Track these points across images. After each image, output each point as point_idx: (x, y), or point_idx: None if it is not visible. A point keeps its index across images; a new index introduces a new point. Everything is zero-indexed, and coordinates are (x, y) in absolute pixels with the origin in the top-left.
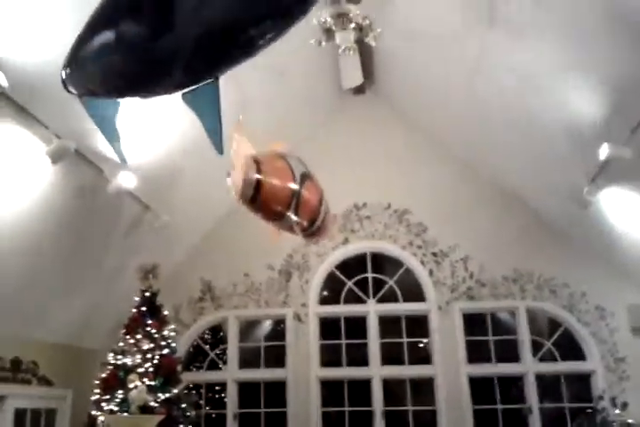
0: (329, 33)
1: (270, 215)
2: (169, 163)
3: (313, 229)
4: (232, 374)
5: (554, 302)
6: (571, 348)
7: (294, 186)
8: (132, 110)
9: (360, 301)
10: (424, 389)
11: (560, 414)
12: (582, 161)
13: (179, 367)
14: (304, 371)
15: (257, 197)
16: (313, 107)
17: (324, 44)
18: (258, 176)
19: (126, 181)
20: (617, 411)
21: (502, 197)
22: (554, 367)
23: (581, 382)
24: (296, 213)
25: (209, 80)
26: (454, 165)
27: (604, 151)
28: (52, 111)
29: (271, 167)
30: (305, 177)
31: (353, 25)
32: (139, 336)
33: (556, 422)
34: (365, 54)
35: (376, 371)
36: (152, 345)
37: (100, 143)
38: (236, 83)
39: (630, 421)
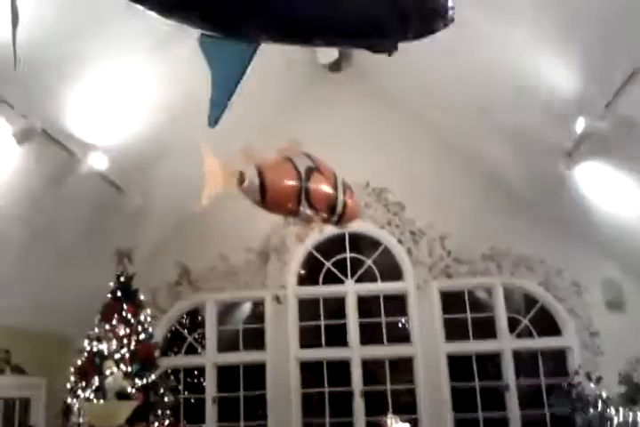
0: None
1: (285, 212)
2: (141, 143)
3: (336, 215)
4: (210, 357)
5: (530, 279)
6: (547, 324)
7: (299, 180)
8: (100, 88)
9: (339, 281)
10: (403, 368)
11: (537, 389)
12: (559, 136)
13: (156, 353)
14: (283, 353)
15: (265, 199)
16: (290, 83)
17: None
18: (258, 179)
19: (97, 162)
20: (592, 385)
21: (480, 175)
22: (530, 344)
23: (557, 358)
24: (310, 205)
25: (250, 42)
26: (433, 144)
27: (579, 125)
28: (18, 91)
29: (273, 170)
30: (311, 170)
31: None
32: (114, 322)
33: (532, 398)
34: None
35: (355, 351)
36: (128, 331)
37: (70, 123)
38: None
39: (605, 394)
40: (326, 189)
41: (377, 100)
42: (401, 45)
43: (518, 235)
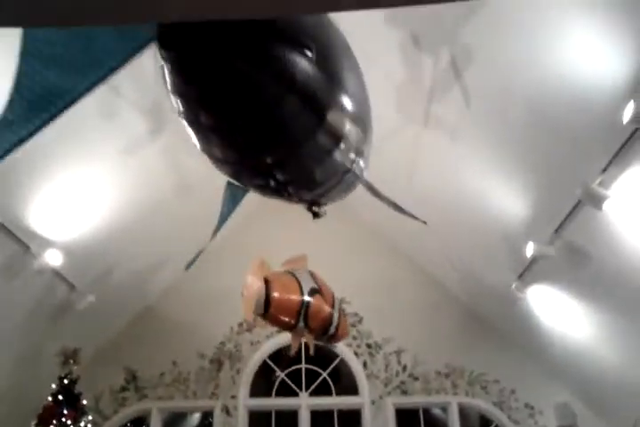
0: None
1: (282, 326)
2: (98, 243)
3: (328, 334)
4: None
5: (485, 399)
6: None
7: (301, 299)
8: (66, 186)
9: (292, 393)
10: None
11: None
12: (511, 259)
13: None
14: None
15: (267, 312)
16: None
17: None
18: (264, 293)
19: (52, 258)
20: None
21: (437, 292)
22: None
23: None
24: (306, 323)
25: (244, 188)
26: (392, 258)
27: (529, 249)
28: None
29: (280, 285)
30: (314, 291)
31: None
32: None
33: None
34: None
35: None
36: None
37: (29, 219)
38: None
39: None
40: (324, 311)
41: (339, 214)
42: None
43: (474, 353)
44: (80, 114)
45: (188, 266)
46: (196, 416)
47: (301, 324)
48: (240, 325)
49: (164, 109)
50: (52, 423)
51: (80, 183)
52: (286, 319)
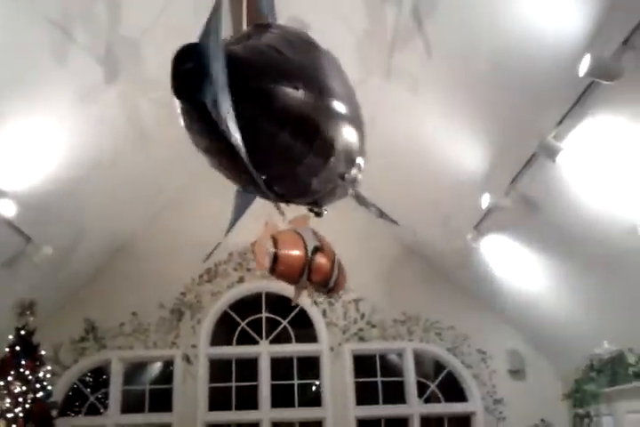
0: None
1: (289, 280)
2: (53, 191)
3: (327, 288)
4: (113, 419)
5: (439, 345)
6: (454, 389)
7: (305, 257)
8: (12, 135)
9: (253, 341)
10: None
11: None
12: (467, 209)
13: (53, 412)
14: (191, 415)
15: (275, 267)
16: None
17: None
18: (273, 250)
19: (5, 209)
20: None
21: (395, 242)
22: (437, 409)
23: (462, 422)
24: (309, 278)
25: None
26: (351, 209)
27: (485, 200)
28: None
29: (286, 241)
30: (317, 248)
31: None
32: (10, 378)
33: None
34: None
35: (266, 414)
36: (24, 388)
37: None
38: None
39: None
40: (325, 267)
41: None
42: None
43: (430, 302)
44: (32, 60)
45: (206, 259)
46: (157, 366)
47: (304, 278)
48: (201, 276)
49: (118, 56)
50: (10, 374)
51: (33, 131)
52: (291, 275)
